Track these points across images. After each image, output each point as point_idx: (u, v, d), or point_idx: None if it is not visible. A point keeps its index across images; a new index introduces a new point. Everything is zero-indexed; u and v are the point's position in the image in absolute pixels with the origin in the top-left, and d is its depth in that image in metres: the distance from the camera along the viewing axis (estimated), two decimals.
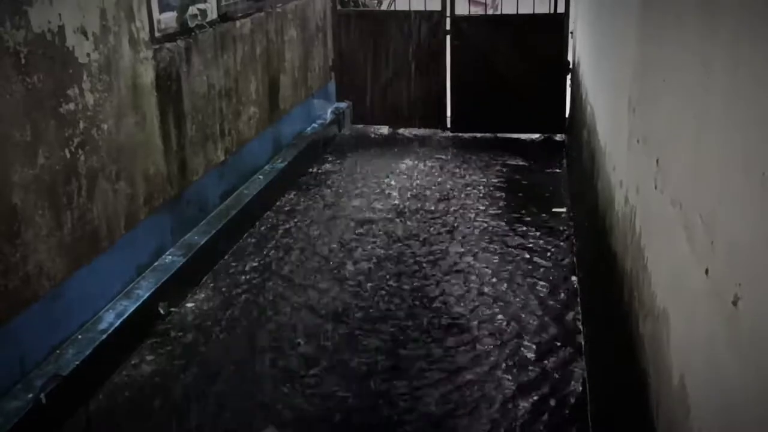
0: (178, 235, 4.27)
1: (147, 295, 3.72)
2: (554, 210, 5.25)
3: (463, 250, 4.63)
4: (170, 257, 4.09)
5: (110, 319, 3.48)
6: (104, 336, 3.36)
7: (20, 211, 2.94)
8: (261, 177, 5.36)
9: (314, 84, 6.65)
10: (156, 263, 4.00)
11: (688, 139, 1.86)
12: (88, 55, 3.33)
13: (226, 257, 4.56)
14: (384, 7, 8.81)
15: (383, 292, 4.12)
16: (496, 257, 4.52)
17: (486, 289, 4.13)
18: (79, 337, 3.32)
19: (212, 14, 4.59)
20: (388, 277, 4.30)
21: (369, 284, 4.22)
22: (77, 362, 3.16)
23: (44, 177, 3.07)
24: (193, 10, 4.27)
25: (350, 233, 4.91)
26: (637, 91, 2.77)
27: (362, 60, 7.07)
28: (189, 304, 4.02)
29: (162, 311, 3.83)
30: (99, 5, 3.40)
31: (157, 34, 3.96)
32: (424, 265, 4.44)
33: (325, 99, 7.00)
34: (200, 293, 4.14)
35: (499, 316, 3.85)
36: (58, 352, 3.20)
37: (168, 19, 4.10)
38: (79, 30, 3.25)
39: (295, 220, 5.15)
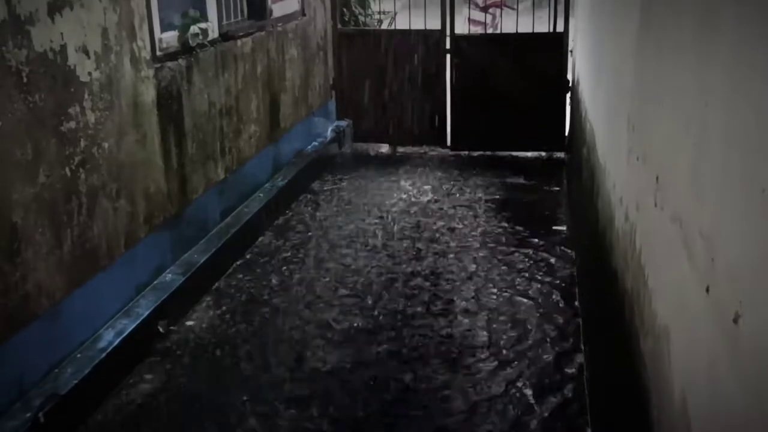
0: (178, 253, 4.27)
1: (146, 313, 3.71)
2: (554, 228, 5.25)
3: (462, 268, 4.62)
4: (170, 275, 4.09)
5: (109, 337, 3.47)
6: (103, 355, 3.34)
7: (20, 229, 2.94)
8: (261, 195, 5.36)
9: (315, 102, 6.67)
10: (156, 281, 3.99)
11: (688, 157, 1.86)
12: (90, 73, 3.35)
13: (226, 275, 4.55)
14: (384, 26, 8.86)
15: (387, 310, 4.11)
16: (496, 275, 4.51)
17: (484, 302, 4.12)
18: (78, 355, 3.31)
19: (213, 33, 4.61)
20: (393, 298, 4.29)
21: (371, 297, 4.21)
22: (76, 381, 3.15)
23: (44, 195, 3.07)
24: (194, 29, 4.29)
25: (351, 251, 4.90)
26: (636, 109, 2.78)
27: (362, 78, 7.10)
28: (189, 323, 4.01)
29: (161, 330, 3.82)
30: (101, 24, 3.42)
31: (158, 53, 3.98)
32: (425, 282, 4.43)
33: (325, 117, 7.02)
34: (200, 312, 4.13)
35: (500, 334, 3.84)
36: (56, 371, 3.18)
37: (169, 38, 4.13)
38: (80, 49, 3.27)
39: (296, 238, 5.15)
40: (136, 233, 3.79)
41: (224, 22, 4.85)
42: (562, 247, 4.89)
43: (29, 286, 3.00)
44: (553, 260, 4.70)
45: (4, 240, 2.86)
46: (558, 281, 4.42)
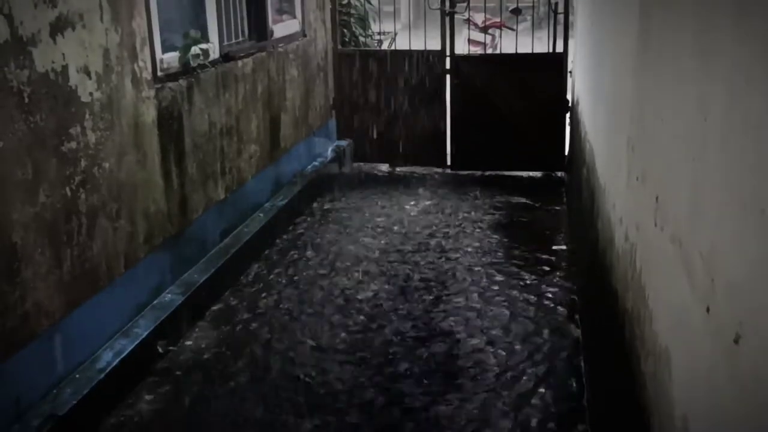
0: (178, 272, 4.26)
1: (145, 333, 3.70)
2: (554, 248, 5.25)
3: (463, 287, 4.61)
4: (169, 295, 4.08)
5: (108, 358, 3.46)
6: (102, 375, 3.33)
7: (20, 249, 2.94)
8: (261, 215, 5.36)
9: (315, 122, 6.69)
10: (155, 301, 3.98)
11: (687, 177, 1.86)
12: (91, 94, 3.36)
13: (225, 295, 4.54)
14: (385, 46, 8.91)
15: (386, 330, 4.10)
16: (496, 295, 4.50)
17: (485, 324, 4.11)
18: (77, 376, 3.29)
19: (214, 54, 4.64)
20: (394, 315, 4.28)
21: (369, 316, 4.20)
22: (74, 402, 3.13)
23: (45, 215, 3.07)
24: (195, 50, 4.31)
25: (351, 270, 4.89)
26: (635, 129, 2.79)
27: (363, 98, 7.13)
28: (188, 342, 4.00)
29: (160, 350, 3.81)
30: (102, 45, 3.44)
31: (159, 74, 4.00)
32: (425, 300, 4.42)
33: (325, 137, 7.04)
34: (199, 332, 4.12)
35: (500, 351, 3.82)
36: (55, 391, 3.17)
37: (170, 58, 4.15)
38: (82, 69, 3.29)
39: (296, 258, 5.14)
40: (135, 253, 3.79)
41: (225, 42, 4.87)
42: (563, 267, 4.88)
43: (28, 305, 2.99)
44: (553, 280, 4.69)
45: (4, 260, 2.86)
46: (557, 301, 4.41)
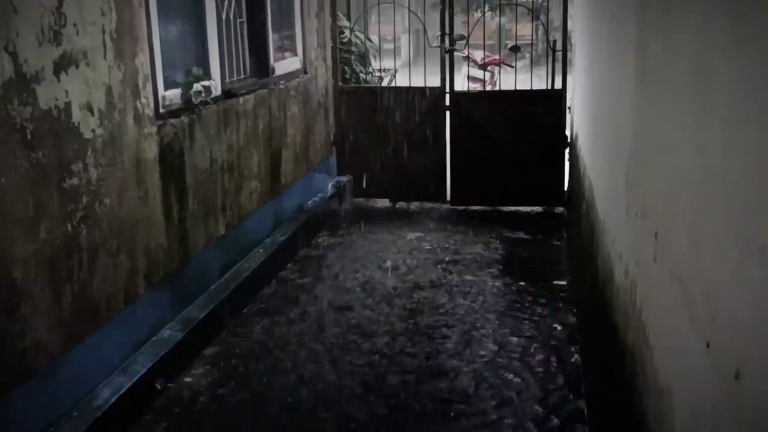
0: (178, 309, 4.25)
1: (144, 370, 3.68)
2: (555, 282, 5.24)
3: (464, 323, 4.59)
4: (169, 331, 4.06)
5: (106, 395, 3.43)
6: (99, 413, 3.30)
7: (20, 285, 2.93)
8: (261, 250, 5.36)
9: (315, 158, 6.73)
10: (154, 338, 3.97)
11: (686, 213, 1.87)
12: (93, 130, 3.39)
13: (225, 331, 4.52)
14: (385, 83, 8.99)
15: (385, 367, 4.07)
16: (495, 329, 4.48)
17: (485, 356, 4.08)
18: (75, 413, 3.26)
19: (216, 91, 4.68)
20: (392, 356, 4.26)
21: (370, 354, 4.17)
22: None
23: (45, 251, 3.07)
24: (197, 87, 4.35)
25: (353, 307, 4.88)
26: (634, 165, 2.81)
27: (363, 134, 7.18)
28: (186, 379, 3.97)
29: (159, 387, 3.78)
30: (105, 82, 3.48)
31: (161, 111, 4.03)
32: (425, 335, 4.40)
33: (326, 173, 7.07)
34: (198, 368, 4.09)
35: (498, 387, 3.80)
36: (52, 429, 3.14)
37: (173, 95, 4.19)
38: (85, 106, 3.32)
39: (295, 294, 5.13)
40: (135, 289, 3.78)
41: (227, 79, 4.92)
42: (563, 302, 4.87)
43: (27, 342, 2.98)
44: (553, 314, 4.68)
45: (4, 296, 2.85)
46: (558, 336, 4.39)
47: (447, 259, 5.78)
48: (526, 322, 4.61)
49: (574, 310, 4.71)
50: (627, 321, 2.75)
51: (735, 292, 1.41)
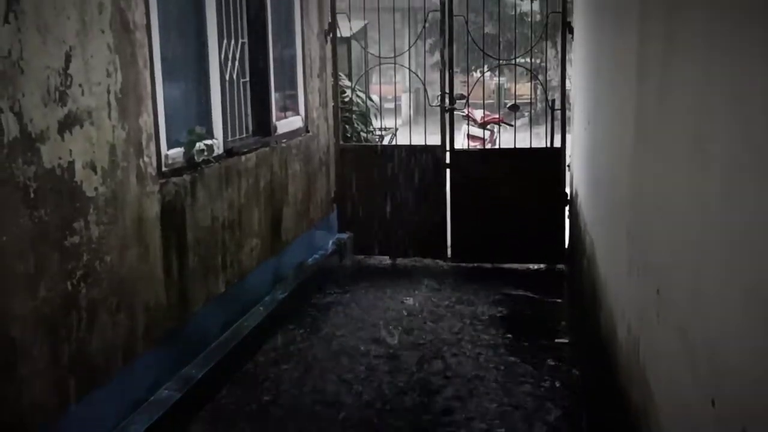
0: (176, 368, 4.20)
1: (142, 431, 3.62)
2: (557, 341, 5.19)
3: (465, 382, 4.54)
4: (167, 391, 4.01)
5: None
6: None
7: (18, 344, 2.91)
8: (261, 308, 5.33)
9: (316, 215, 6.75)
10: (152, 397, 3.91)
11: (688, 268, 1.87)
12: (96, 189, 3.41)
13: (224, 391, 4.47)
14: (386, 142, 9.09)
15: (386, 425, 4.01)
16: (497, 388, 4.42)
17: (487, 415, 4.02)
18: None
19: (219, 149, 4.73)
20: (392, 412, 4.20)
21: (370, 415, 4.11)
22: None
23: (45, 310, 3.06)
24: (200, 145, 4.40)
25: (353, 367, 4.83)
26: (634, 221, 2.82)
27: (364, 192, 7.21)
28: None
29: None
30: (109, 141, 3.52)
31: (164, 169, 4.06)
32: (426, 393, 4.34)
33: (326, 230, 7.08)
34: (196, 429, 4.03)
35: None
36: None
37: (175, 154, 4.23)
38: (88, 165, 3.35)
39: (295, 353, 5.09)
40: (134, 348, 3.75)
41: (229, 138, 4.97)
42: (565, 361, 4.82)
43: (24, 403, 2.94)
44: (556, 373, 4.62)
45: (1, 355, 2.83)
46: (561, 396, 4.33)
47: (448, 317, 5.74)
48: (529, 381, 4.55)
49: (577, 369, 4.66)
50: (631, 379, 2.72)
51: (739, 348, 1.40)
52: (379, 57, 7.24)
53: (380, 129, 8.92)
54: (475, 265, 7.08)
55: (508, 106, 8.94)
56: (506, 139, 7.66)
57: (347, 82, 8.13)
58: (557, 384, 4.49)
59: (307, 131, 6.46)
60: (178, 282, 4.21)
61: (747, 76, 1.41)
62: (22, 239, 2.93)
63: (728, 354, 1.47)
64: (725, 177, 1.55)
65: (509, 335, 5.31)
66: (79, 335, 3.29)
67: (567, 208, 6.94)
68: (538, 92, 8.04)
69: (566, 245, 6.90)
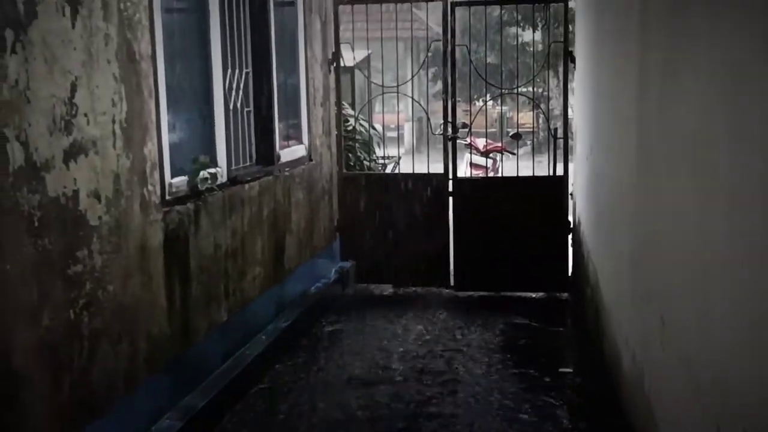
0: (178, 397, 4.18)
1: None
2: (561, 370, 5.15)
3: (468, 411, 4.50)
4: (168, 421, 3.98)
5: None
6: None
7: (20, 374, 2.90)
8: (264, 337, 5.31)
9: (319, 243, 6.75)
10: (153, 427, 3.88)
11: (692, 296, 1.86)
12: (100, 218, 3.42)
13: (225, 420, 4.43)
14: (389, 170, 9.11)
15: None
16: (500, 420, 4.38)
17: None
18: None
19: (222, 178, 4.74)
20: None
21: None
22: None
23: (47, 339, 3.05)
24: (204, 174, 4.41)
25: (356, 398, 4.79)
26: (637, 249, 2.81)
27: (366, 220, 7.22)
28: None
29: None
30: (114, 170, 3.53)
31: (167, 197, 4.08)
32: (429, 423, 4.31)
33: (329, 258, 7.08)
34: None
35: None
36: None
37: (179, 182, 4.24)
38: (92, 194, 3.36)
39: (298, 382, 5.05)
40: (135, 377, 3.73)
41: (233, 166, 4.99)
42: (569, 390, 4.78)
43: None
44: (559, 403, 4.58)
45: (3, 385, 2.81)
46: (564, 426, 4.29)
47: (450, 345, 5.71)
48: (532, 411, 4.51)
49: (581, 399, 4.62)
50: (635, 407, 2.69)
51: (746, 376, 1.39)
52: (382, 86, 7.29)
53: (383, 157, 8.95)
54: (478, 293, 7.06)
55: (510, 134, 8.99)
56: (509, 167, 7.68)
57: (350, 111, 8.18)
58: (560, 413, 4.45)
59: (311, 160, 6.48)
60: (181, 311, 4.20)
61: (747, 102, 1.42)
62: (26, 268, 2.93)
63: (734, 382, 1.47)
64: (728, 206, 1.55)
65: (512, 364, 5.27)
66: (80, 364, 3.27)
67: (570, 237, 6.94)
68: (541, 121, 8.08)
69: (569, 273, 6.88)
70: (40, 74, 3.00)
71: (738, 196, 1.48)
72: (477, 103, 10.71)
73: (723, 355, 1.56)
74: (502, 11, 11.87)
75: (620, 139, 3.43)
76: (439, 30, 6.89)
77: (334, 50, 7.04)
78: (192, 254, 4.31)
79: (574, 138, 7.11)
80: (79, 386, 3.26)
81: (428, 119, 7.48)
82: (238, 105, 5.12)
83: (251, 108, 5.36)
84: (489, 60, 7.81)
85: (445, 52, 6.88)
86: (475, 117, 7.46)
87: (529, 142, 14.01)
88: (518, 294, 6.99)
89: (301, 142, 6.38)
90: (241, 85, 5.16)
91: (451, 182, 7.06)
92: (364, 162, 8.05)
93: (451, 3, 6.79)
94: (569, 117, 7.03)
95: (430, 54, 7.27)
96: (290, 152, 6.06)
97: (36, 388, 2.99)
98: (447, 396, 4.75)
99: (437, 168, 7.06)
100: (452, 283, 7.14)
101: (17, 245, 2.88)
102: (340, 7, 7.04)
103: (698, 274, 1.80)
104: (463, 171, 10.01)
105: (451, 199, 7.06)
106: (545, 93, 7.80)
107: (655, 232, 2.45)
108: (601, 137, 4.44)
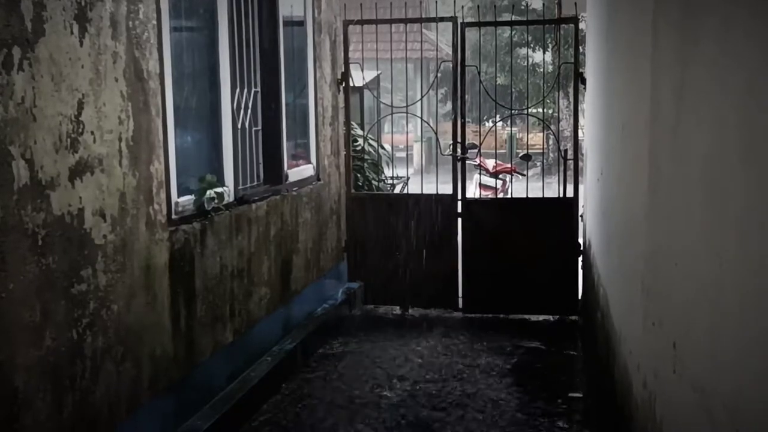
0: (181, 419, 4.13)
1: None
2: (570, 395, 5.08)
3: None
4: None
5: None
6: None
7: (21, 394, 2.86)
8: (269, 359, 5.26)
9: (326, 264, 6.71)
10: None
11: (705, 321, 1.81)
12: (105, 236, 3.39)
13: None
14: (397, 190, 9.10)
15: None
16: None
17: None
18: None
19: (229, 197, 4.72)
20: None
21: None
22: None
23: (49, 359, 3.01)
24: (210, 193, 4.39)
25: (362, 422, 4.73)
26: (650, 273, 2.76)
27: (374, 241, 7.18)
28: None
29: None
30: (120, 189, 3.51)
31: (174, 217, 4.05)
32: None
33: (336, 279, 7.03)
34: None
35: None
36: None
37: (185, 201, 4.22)
38: (98, 212, 3.34)
39: (303, 405, 5.00)
40: (139, 398, 3.69)
41: (240, 186, 4.97)
42: (579, 415, 4.70)
43: None
44: (570, 430, 4.50)
45: (4, 405, 2.78)
46: None
47: (459, 369, 5.64)
48: None
49: (591, 425, 4.54)
50: None
51: (760, 405, 1.34)
52: (392, 106, 7.28)
53: (392, 178, 8.93)
54: (487, 315, 6.99)
55: (520, 155, 8.96)
56: (518, 188, 7.65)
57: (359, 131, 8.18)
58: None
59: (319, 179, 6.46)
60: (186, 331, 4.16)
61: (763, 128, 1.39)
62: (29, 287, 2.90)
63: (748, 410, 1.41)
64: (742, 230, 1.51)
65: (521, 388, 5.20)
66: (83, 385, 3.23)
67: (580, 259, 6.87)
68: (551, 142, 8.06)
69: (579, 296, 6.81)
70: (46, 92, 2.99)
71: (751, 224, 1.44)
72: (486, 124, 10.72)
73: (736, 383, 1.51)
74: (513, 32, 11.91)
75: (631, 162, 3.39)
76: (449, 50, 6.88)
77: (343, 70, 7.05)
78: (197, 274, 4.27)
79: (585, 159, 7.07)
80: (81, 407, 3.22)
81: (437, 140, 7.46)
82: (246, 124, 5.11)
83: (259, 127, 5.35)
84: (499, 81, 7.81)
85: (454, 72, 6.87)
86: (484, 138, 7.44)
87: (538, 164, 13.99)
88: (528, 317, 6.92)
89: (309, 162, 6.37)
90: (250, 104, 5.15)
91: (460, 203, 7.02)
92: (373, 182, 8.04)
93: (461, 23, 6.79)
94: (580, 138, 6.99)
95: (439, 74, 7.26)
96: (298, 172, 6.04)
97: (37, 408, 2.95)
98: (455, 420, 4.68)
99: (446, 189, 7.03)
100: (461, 305, 7.08)
101: (21, 264, 2.86)
102: (350, 27, 7.05)
103: (712, 300, 1.75)
104: (472, 192, 9.98)
105: (460, 220, 7.02)
106: (555, 114, 7.78)
107: (666, 257, 2.40)
108: (611, 159, 4.40)
